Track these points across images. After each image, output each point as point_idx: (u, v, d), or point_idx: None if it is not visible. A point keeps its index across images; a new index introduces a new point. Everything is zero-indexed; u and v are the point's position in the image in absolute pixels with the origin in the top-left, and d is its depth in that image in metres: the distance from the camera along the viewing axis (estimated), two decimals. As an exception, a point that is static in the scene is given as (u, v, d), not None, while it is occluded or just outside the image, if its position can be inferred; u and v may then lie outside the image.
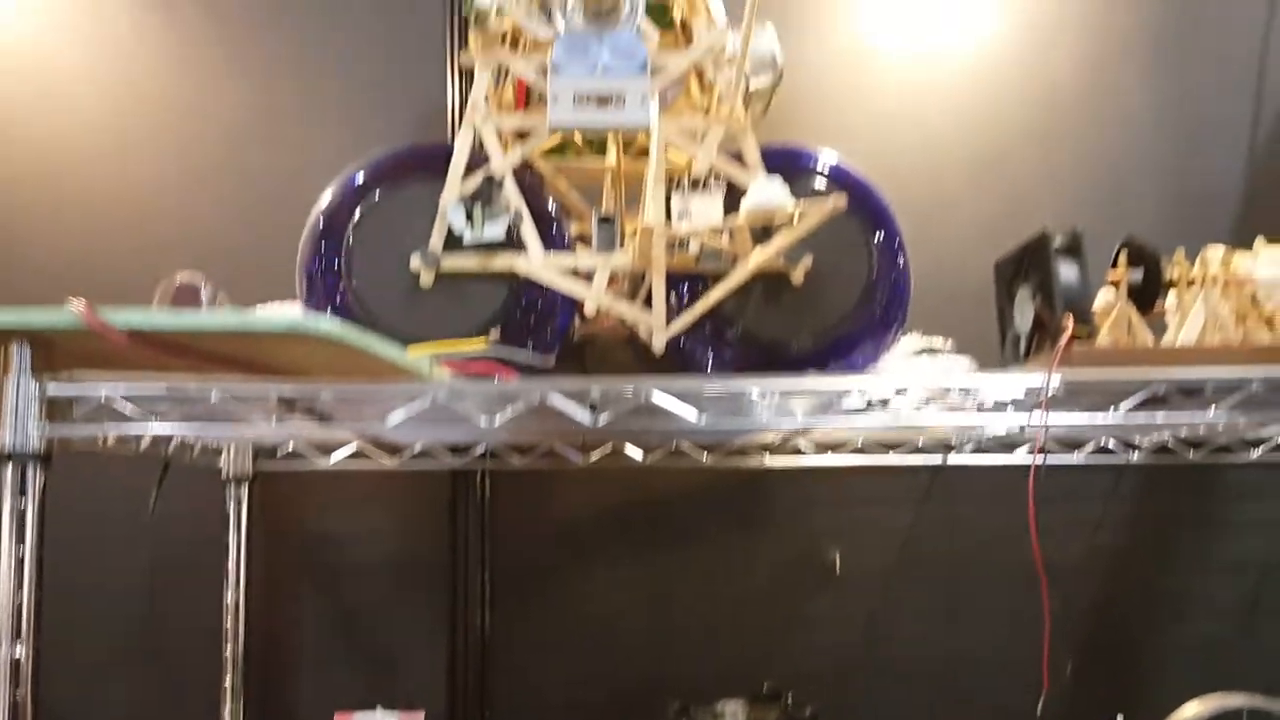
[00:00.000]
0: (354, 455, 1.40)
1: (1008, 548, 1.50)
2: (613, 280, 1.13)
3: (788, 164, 1.18)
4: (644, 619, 1.52)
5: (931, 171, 1.56)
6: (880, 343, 1.15)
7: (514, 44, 1.15)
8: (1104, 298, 1.09)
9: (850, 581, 1.53)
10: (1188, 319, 0.99)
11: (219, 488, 1.40)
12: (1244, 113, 1.61)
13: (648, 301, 1.08)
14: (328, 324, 0.76)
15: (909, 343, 1.22)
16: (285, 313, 1.04)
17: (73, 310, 0.76)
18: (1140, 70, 1.61)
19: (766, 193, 1.00)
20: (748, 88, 1.24)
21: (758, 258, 1.04)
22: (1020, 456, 1.48)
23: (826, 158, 1.19)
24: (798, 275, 1.10)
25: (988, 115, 1.59)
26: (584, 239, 1.19)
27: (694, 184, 1.10)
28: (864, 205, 1.17)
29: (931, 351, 1.16)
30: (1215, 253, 1.03)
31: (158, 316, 0.75)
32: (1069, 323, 0.96)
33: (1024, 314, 1.09)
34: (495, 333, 0.99)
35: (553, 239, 1.12)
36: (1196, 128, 1.60)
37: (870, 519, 1.55)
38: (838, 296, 1.14)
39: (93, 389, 0.84)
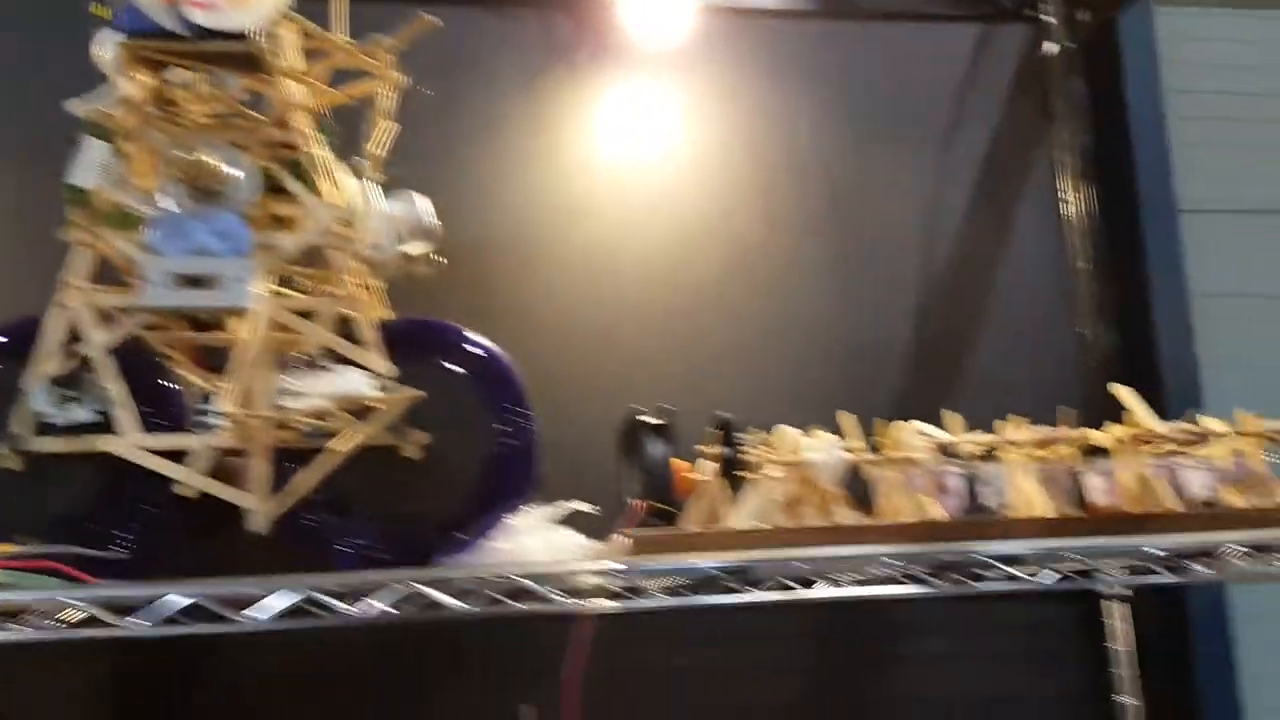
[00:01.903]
0: None
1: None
2: (232, 454, 1.11)
3: (416, 337, 1.20)
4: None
5: (618, 333, 1.60)
6: (506, 513, 1.17)
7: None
8: (705, 469, 1.13)
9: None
10: (746, 501, 1.03)
11: None
12: (912, 278, 1.72)
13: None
14: None
15: (549, 511, 1.23)
16: None
17: None
18: (816, 233, 1.70)
19: (346, 382, 1.02)
20: (405, 255, 1.27)
21: (349, 439, 1.04)
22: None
23: (454, 331, 1.21)
24: (412, 450, 1.11)
25: (668, 277, 1.65)
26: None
27: (306, 362, 1.10)
28: (489, 378, 1.19)
29: (558, 522, 1.18)
30: (782, 435, 1.08)
31: None
32: (638, 505, 1.00)
33: (630, 488, 1.12)
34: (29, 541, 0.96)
35: (166, 416, 1.11)
36: (868, 289, 1.70)
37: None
38: (461, 470, 1.15)
39: None
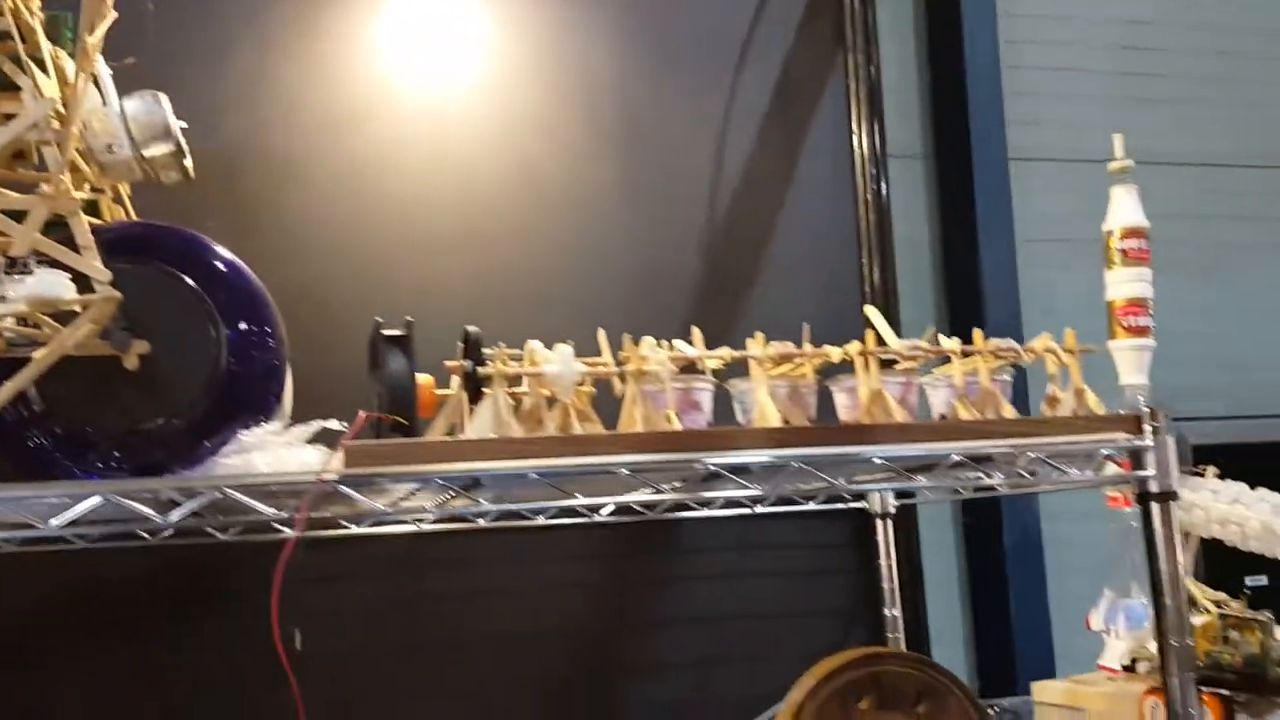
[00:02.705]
0: None
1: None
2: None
3: (152, 245, 1.14)
4: None
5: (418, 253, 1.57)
6: (241, 429, 1.12)
7: None
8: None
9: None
10: (481, 413, 1.02)
11: None
12: (702, 204, 1.73)
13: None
14: None
15: (297, 428, 1.19)
16: None
17: None
18: (606, 157, 1.68)
19: (44, 285, 0.95)
20: (142, 157, 1.20)
21: (55, 348, 0.98)
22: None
23: (196, 241, 1.16)
24: (131, 360, 1.05)
25: (447, 198, 1.61)
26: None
27: (10, 267, 1.02)
28: (229, 292, 1.14)
29: (307, 439, 1.14)
30: (529, 349, 1.07)
31: None
32: (365, 417, 0.97)
33: (372, 401, 1.10)
34: None
35: None
36: (658, 215, 1.69)
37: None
38: (195, 385, 1.10)
39: None
